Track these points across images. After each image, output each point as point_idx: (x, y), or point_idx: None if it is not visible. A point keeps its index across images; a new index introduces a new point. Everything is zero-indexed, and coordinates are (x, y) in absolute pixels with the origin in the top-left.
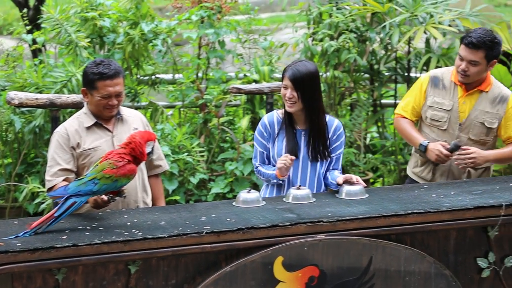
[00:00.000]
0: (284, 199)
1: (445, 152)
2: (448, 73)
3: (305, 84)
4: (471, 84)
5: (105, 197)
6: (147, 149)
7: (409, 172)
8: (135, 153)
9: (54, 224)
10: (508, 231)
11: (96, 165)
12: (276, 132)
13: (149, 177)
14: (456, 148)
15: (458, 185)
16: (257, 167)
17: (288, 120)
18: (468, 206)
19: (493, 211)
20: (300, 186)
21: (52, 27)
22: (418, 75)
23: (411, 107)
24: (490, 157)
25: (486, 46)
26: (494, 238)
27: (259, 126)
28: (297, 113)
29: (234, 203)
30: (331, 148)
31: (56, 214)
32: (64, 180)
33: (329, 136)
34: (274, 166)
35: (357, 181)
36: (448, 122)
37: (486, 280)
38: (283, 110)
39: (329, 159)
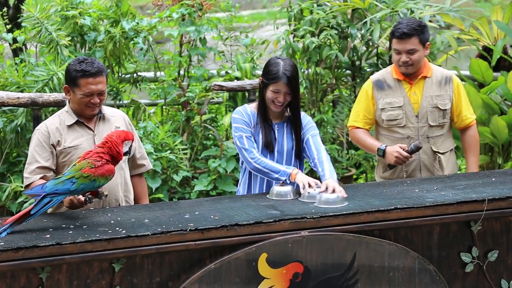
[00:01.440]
0: (268, 196)
1: (405, 154)
2: (388, 73)
3: (297, 85)
4: (414, 74)
5: (81, 198)
6: (124, 149)
7: (378, 179)
8: (112, 152)
9: (28, 220)
10: (491, 225)
11: (74, 164)
12: (254, 126)
13: (132, 176)
14: (416, 149)
15: (441, 180)
16: (254, 157)
17: (264, 116)
18: (451, 201)
19: (476, 206)
20: (283, 182)
21: (32, 25)
22: None
23: (362, 116)
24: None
25: (417, 32)
26: (478, 233)
27: (236, 116)
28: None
29: (268, 196)
30: (303, 131)
31: (32, 212)
32: (42, 177)
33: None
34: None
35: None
36: (405, 117)
37: (469, 274)
38: (255, 105)
39: (304, 150)
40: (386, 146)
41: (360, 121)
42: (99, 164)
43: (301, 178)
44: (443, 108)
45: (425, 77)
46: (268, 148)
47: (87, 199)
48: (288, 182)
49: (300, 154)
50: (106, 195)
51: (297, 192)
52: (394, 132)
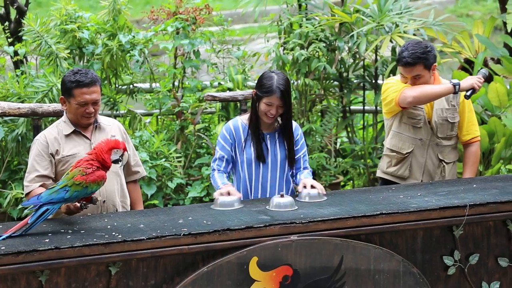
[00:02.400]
0: (267, 207)
1: (480, 78)
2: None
3: (289, 98)
4: None
5: (77, 204)
6: (114, 157)
7: (380, 174)
8: (99, 159)
9: (28, 231)
10: (472, 230)
11: (67, 173)
12: (244, 138)
13: (127, 182)
14: (485, 76)
15: (424, 186)
16: (213, 170)
17: (256, 127)
18: (434, 206)
19: (458, 211)
20: (282, 194)
21: (33, 39)
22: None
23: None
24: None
25: (421, 59)
26: (459, 237)
27: (223, 131)
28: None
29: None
30: (296, 148)
31: (29, 221)
32: (41, 185)
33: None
34: (228, 175)
35: (313, 187)
36: (423, 120)
37: (452, 277)
38: (247, 116)
39: (296, 160)
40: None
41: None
42: (90, 171)
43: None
44: (452, 121)
45: None
46: (260, 159)
47: (83, 205)
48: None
49: (292, 163)
50: (98, 200)
51: (241, 202)
52: (408, 131)
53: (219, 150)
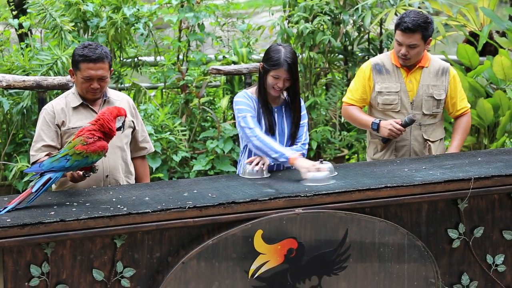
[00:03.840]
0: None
1: (398, 126)
2: (387, 58)
3: (296, 71)
4: (412, 63)
5: (80, 172)
6: (117, 124)
7: (368, 160)
8: (104, 129)
9: (34, 199)
10: (477, 203)
11: (69, 142)
12: (255, 110)
13: (134, 158)
14: (410, 122)
15: (429, 160)
16: (255, 135)
17: (264, 100)
18: (438, 180)
19: (463, 185)
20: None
21: (37, 12)
22: None
23: (360, 96)
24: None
25: (421, 28)
26: (464, 210)
27: (240, 99)
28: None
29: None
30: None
31: (33, 190)
32: (47, 155)
33: None
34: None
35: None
36: (400, 103)
37: (456, 250)
38: (253, 89)
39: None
40: (380, 120)
41: (357, 99)
42: (91, 141)
43: (301, 163)
44: (438, 98)
45: (422, 67)
46: (271, 131)
47: (85, 173)
48: (287, 164)
49: (294, 137)
50: (98, 169)
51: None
52: (388, 117)
53: (247, 113)
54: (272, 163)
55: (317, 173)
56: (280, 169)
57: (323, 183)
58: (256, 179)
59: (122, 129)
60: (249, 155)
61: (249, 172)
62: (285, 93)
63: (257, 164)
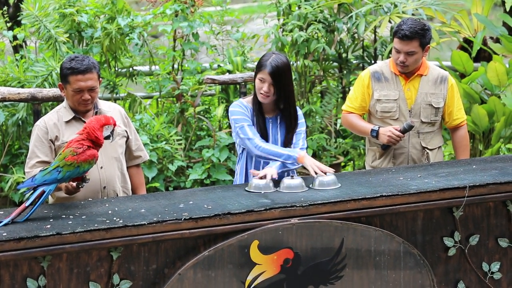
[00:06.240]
0: (246, 188)
1: (397, 133)
2: (386, 66)
3: (282, 78)
4: (411, 71)
5: (73, 184)
6: (105, 133)
7: (367, 167)
8: (91, 138)
9: (30, 214)
10: (472, 211)
11: (59, 154)
12: (250, 119)
13: (130, 167)
14: (409, 128)
15: (424, 168)
16: (256, 145)
17: (259, 108)
18: (434, 188)
19: (458, 193)
20: (293, 176)
21: (31, 23)
22: None
23: (359, 104)
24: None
25: (419, 35)
26: (459, 218)
27: (235, 108)
28: (268, 103)
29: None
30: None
31: (27, 204)
32: (40, 170)
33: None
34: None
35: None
36: (398, 111)
37: (452, 258)
38: (249, 99)
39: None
40: (379, 127)
41: (356, 107)
42: (81, 150)
43: (310, 161)
44: (436, 106)
45: (421, 75)
46: (264, 139)
47: (79, 184)
48: (296, 164)
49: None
50: (89, 179)
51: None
52: (387, 124)
53: (245, 123)
54: (279, 171)
55: (325, 177)
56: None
57: (330, 187)
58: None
59: (111, 138)
60: (248, 161)
61: (255, 186)
62: (281, 105)
63: (261, 178)
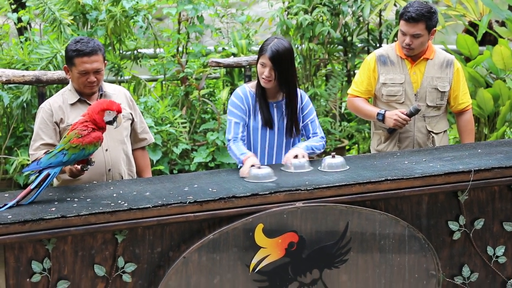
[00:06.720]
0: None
1: (403, 116)
2: (391, 50)
3: (283, 62)
4: (416, 55)
5: (78, 166)
6: (107, 118)
7: (372, 151)
8: (91, 120)
9: (35, 197)
10: (477, 195)
11: (64, 137)
12: (253, 105)
13: (135, 150)
14: (415, 112)
15: (429, 152)
16: (229, 141)
17: (262, 93)
18: (439, 172)
19: (463, 177)
20: (260, 166)
21: (36, 5)
22: None
23: (365, 88)
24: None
25: (425, 18)
26: (464, 202)
27: (234, 99)
28: (271, 88)
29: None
30: (303, 115)
31: (32, 187)
32: (45, 153)
33: (299, 106)
34: (244, 144)
35: (303, 156)
36: (404, 95)
37: (457, 242)
38: (254, 83)
39: (301, 129)
40: (385, 110)
41: (362, 91)
42: (86, 133)
43: (247, 163)
44: (442, 90)
45: (427, 59)
46: (268, 125)
47: (83, 167)
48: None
49: (291, 133)
50: (94, 161)
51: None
52: (392, 108)
53: (233, 118)
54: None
55: (296, 161)
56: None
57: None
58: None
59: (113, 123)
60: (250, 148)
61: (294, 165)
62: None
63: (296, 157)
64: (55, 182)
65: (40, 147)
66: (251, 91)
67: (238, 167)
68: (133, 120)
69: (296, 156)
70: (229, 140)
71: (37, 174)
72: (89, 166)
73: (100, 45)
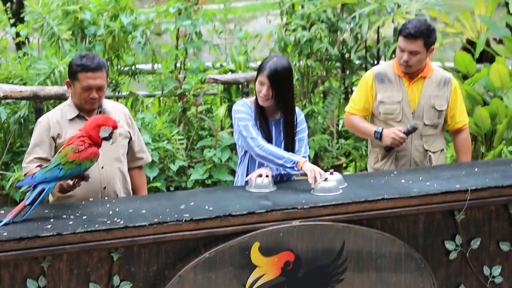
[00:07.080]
0: (246, 187)
1: (401, 134)
2: (389, 67)
3: (281, 81)
4: (414, 72)
5: (70, 182)
6: (103, 134)
7: (369, 169)
8: (89, 136)
9: (30, 212)
10: (473, 214)
11: (60, 151)
12: (254, 118)
13: (131, 168)
14: (412, 130)
15: (426, 171)
16: (260, 145)
17: (261, 111)
18: (435, 191)
19: (460, 196)
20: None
21: (34, 20)
22: None
23: (362, 105)
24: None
25: (423, 35)
26: (461, 222)
27: (239, 107)
28: (269, 106)
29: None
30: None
31: (26, 203)
32: (38, 166)
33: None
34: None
35: (266, 176)
36: (401, 113)
37: (453, 261)
38: (252, 99)
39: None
40: (382, 128)
41: (360, 109)
42: (83, 148)
43: (309, 167)
44: (439, 109)
45: (424, 77)
46: (267, 141)
47: (75, 182)
48: (296, 169)
49: (288, 151)
50: (90, 177)
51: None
52: (389, 126)
53: (249, 122)
54: (276, 173)
55: (326, 183)
56: (277, 181)
57: (332, 193)
58: (259, 192)
59: (109, 139)
60: (250, 163)
61: (256, 184)
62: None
63: (261, 176)
64: (51, 198)
65: (34, 160)
66: (251, 106)
67: (290, 166)
68: (130, 139)
69: (260, 175)
70: (258, 144)
71: (32, 189)
72: (81, 182)
73: (105, 62)
